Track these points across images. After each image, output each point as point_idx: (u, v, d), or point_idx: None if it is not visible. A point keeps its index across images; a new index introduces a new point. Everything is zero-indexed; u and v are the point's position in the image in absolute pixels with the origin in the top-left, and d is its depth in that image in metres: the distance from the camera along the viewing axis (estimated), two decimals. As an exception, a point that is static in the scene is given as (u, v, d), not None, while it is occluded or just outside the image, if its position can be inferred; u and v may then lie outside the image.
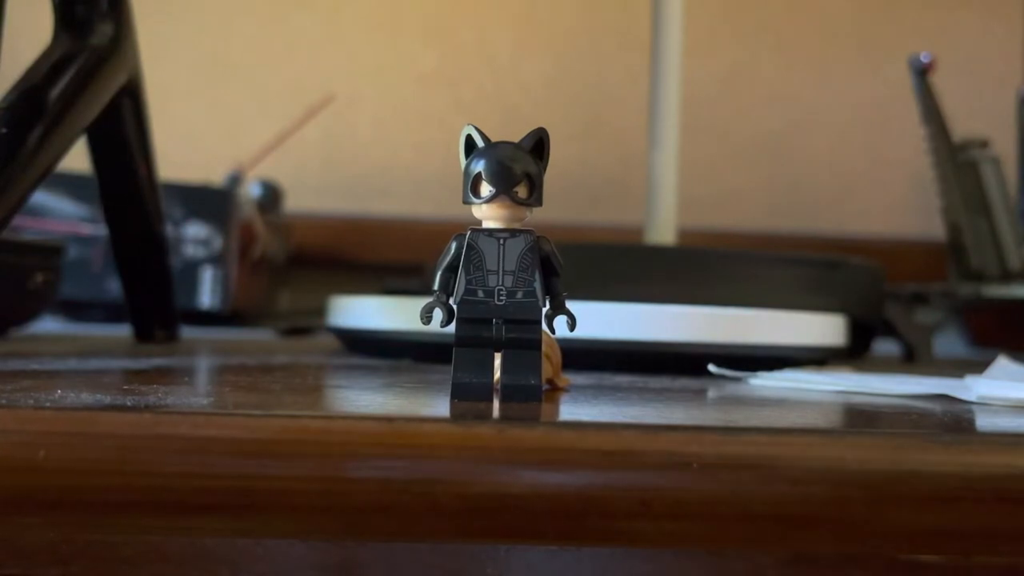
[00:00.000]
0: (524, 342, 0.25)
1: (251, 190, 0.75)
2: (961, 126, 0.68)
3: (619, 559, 0.21)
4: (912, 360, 0.53)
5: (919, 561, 0.21)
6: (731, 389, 0.32)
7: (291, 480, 0.20)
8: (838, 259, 0.46)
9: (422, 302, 0.25)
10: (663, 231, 0.49)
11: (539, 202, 0.25)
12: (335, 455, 0.20)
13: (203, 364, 0.36)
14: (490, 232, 0.25)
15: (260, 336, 0.63)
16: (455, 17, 0.89)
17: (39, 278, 0.43)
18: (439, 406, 0.25)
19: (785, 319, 0.39)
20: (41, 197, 0.62)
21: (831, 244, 0.82)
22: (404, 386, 0.30)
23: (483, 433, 0.20)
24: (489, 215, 0.25)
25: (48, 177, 0.36)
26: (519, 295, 0.25)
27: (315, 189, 0.86)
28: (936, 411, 0.27)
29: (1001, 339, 0.62)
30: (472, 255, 0.25)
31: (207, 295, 0.64)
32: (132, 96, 0.42)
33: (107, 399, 0.22)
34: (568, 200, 0.86)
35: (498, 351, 0.25)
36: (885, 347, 0.57)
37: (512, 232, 0.25)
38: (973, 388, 0.30)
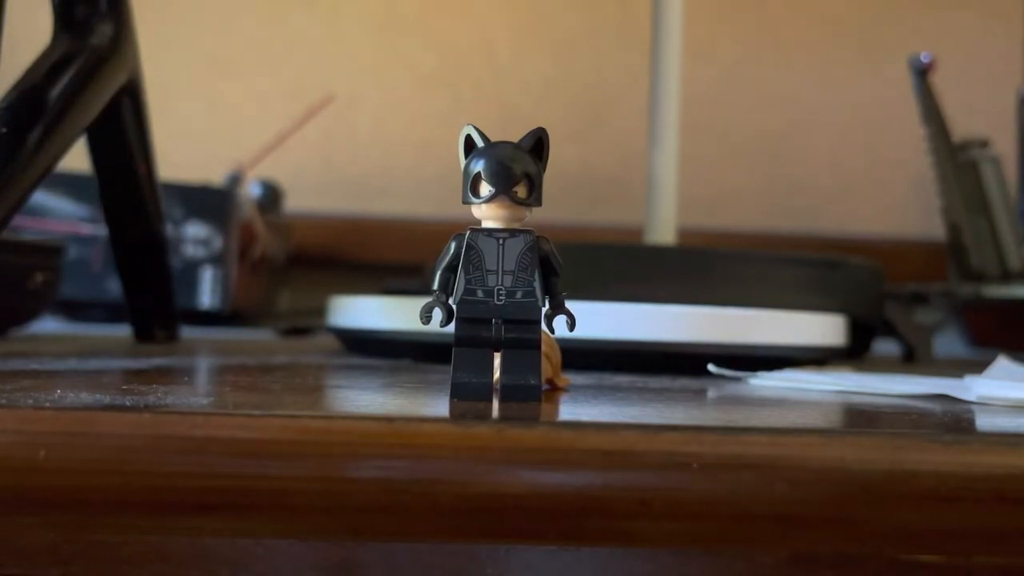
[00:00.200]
0: (523, 342, 0.25)
1: (251, 190, 0.75)
2: (961, 126, 0.68)
3: (619, 559, 0.21)
4: (912, 360, 0.53)
5: (919, 561, 0.21)
6: (731, 389, 0.32)
7: (291, 480, 0.20)
8: (838, 259, 0.46)
9: (422, 302, 0.25)
10: (663, 231, 0.49)
11: (538, 202, 0.25)
12: (335, 455, 0.20)
13: (203, 364, 0.36)
14: (489, 232, 0.25)
15: (260, 336, 0.63)
16: (455, 17, 0.89)
17: (39, 278, 0.43)
18: (439, 406, 0.25)
19: (785, 319, 0.39)
20: (41, 197, 0.62)
21: (831, 244, 0.82)
22: (404, 386, 0.30)
23: (483, 433, 0.20)
24: (488, 215, 0.25)
25: (48, 177, 0.36)
26: (518, 295, 0.25)
27: (315, 189, 0.86)
28: (936, 411, 0.26)
29: (1001, 339, 0.62)
30: (471, 255, 0.25)
31: (207, 295, 0.64)
32: (132, 96, 0.42)
33: (107, 399, 0.22)
34: (568, 200, 0.86)
35: (497, 351, 0.25)
36: (885, 347, 0.57)
37: (511, 232, 0.25)
38: (973, 388, 0.30)
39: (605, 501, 0.20)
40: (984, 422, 0.24)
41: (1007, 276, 0.63)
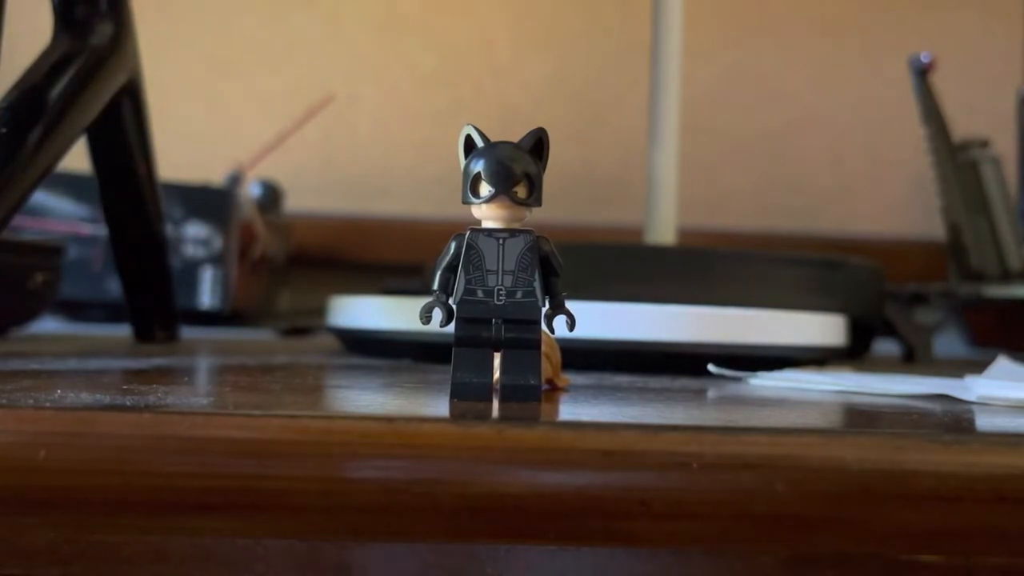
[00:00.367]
0: (523, 342, 0.25)
1: (251, 190, 0.75)
2: (961, 126, 0.68)
3: (619, 559, 0.21)
4: (912, 360, 0.53)
5: (919, 561, 0.21)
6: (731, 389, 0.32)
7: (291, 480, 0.20)
8: (838, 259, 0.46)
9: (422, 302, 0.25)
10: (663, 231, 0.49)
11: (538, 202, 0.25)
12: (335, 455, 0.20)
13: (203, 364, 0.36)
14: (489, 232, 0.25)
15: (260, 336, 0.63)
16: (455, 17, 0.89)
17: (39, 278, 0.43)
18: (439, 406, 0.25)
19: (785, 319, 0.39)
20: (41, 197, 0.62)
21: (831, 244, 0.82)
22: (404, 386, 0.30)
23: (483, 433, 0.20)
24: (488, 215, 0.25)
25: (48, 177, 0.36)
26: (518, 295, 0.25)
27: (315, 189, 0.86)
28: (936, 411, 0.27)
29: (1001, 339, 0.62)
30: (471, 255, 0.25)
31: (207, 295, 0.64)
32: (132, 96, 0.42)
33: (107, 399, 0.22)
34: (568, 200, 0.86)
35: (497, 351, 0.25)
36: (885, 347, 0.57)
37: (511, 232, 0.25)
38: (973, 388, 0.30)
39: (605, 501, 0.20)
40: (984, 422, 0.24)
41: (1007, 276, 0.63)
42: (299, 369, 0.34)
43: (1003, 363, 0.37)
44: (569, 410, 0.25)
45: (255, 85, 0.87)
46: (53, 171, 0.36)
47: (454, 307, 0.25)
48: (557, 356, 0.29)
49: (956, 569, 0.21)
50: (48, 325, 0.61)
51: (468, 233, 0.25)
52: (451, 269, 0.25)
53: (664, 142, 0.50)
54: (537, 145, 0.25)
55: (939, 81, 0.65)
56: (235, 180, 0.71)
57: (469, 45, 0.88)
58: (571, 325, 0.25)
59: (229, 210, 0.65)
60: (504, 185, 0.24)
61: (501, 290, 0.25)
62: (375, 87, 0.88)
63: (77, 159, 0.42)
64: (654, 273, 0.41)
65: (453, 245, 0.25)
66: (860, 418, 0.25)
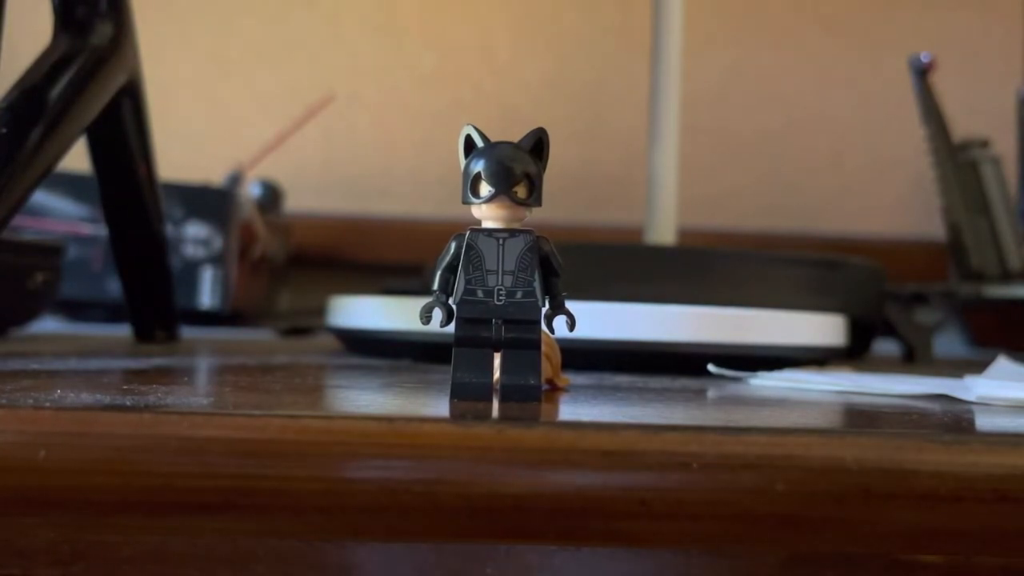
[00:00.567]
0: (523, 342, 0.25)
1: (251, 190, 0.75)
2: (961, 126, 0.68)
3: (619, 559, 0.21)
4: (912, 360, 0.53)
5: (919, 561, 0.21)
6: (731, 389, 0.32)
7: (291, 480, 0.20)
8: (838, 259, 0.46)
9: (422, 302, 0.25)
10: (663, 231, 0.49)
11: (538, 202, 0.25)
12: (335, 455, 0.20)
13: (203, 364, 0.36)
14: (489, 232, 0.25)
15: (260, 336, 0.63)
16: (455, 17, 0.89)
17: (39, 278, 0.43)
18: (439, 406, 0.25)
19: (785, 319, 0.39)
20: (41, 197, 0.62)
21: (831, 244, 0.82)
22: (404, 386, 0.30)
23: (483, 433, 0.20)
24: (488, 215, 0.25)
25: (48, 177, 0.36)
26: (518, 295, 0.25)
27: (315, 189, 0.86)
28: (936, 411, 0.27)
29: (1001, 339, 0.62)
30: (471, 255, 0.25)
31: (207, 295, 0.64)
32: (132, 96, 0.42)
33: (107, 399, 0.22)
34: (568, 200, 0.86)
35: (497, 351, 0.25)
36: (885, 347, 0.57)
37: (511, 232, 0.25)
38: (973, 388, 0.30)
39: (605, 501, 0.20)
40: (984, 422, 0.25)
41: (1007, 276, 0.63)
42: (299, 369, 0.34)
43: (1003, 363, 0.37)
44: (569, 410, 0.25)
45: (255, 85, 0.87)
46: (53, 171, 0.36)
47: (454, 307, 0.25)
48: (557, 356, 0.29)
49: (956, 569, 0.21)
50: (48, 325, 0.61)
51: (468, 233, 0.25)
52: (451, 269, 0.25)
53: (664, 142, 0.50)
54: (537, 145, 0.25)
55: (939, 81, 0.65)
56: (235, 180, 0.71)
57: (469, 45, 0.89)
58: (571, 325, 0.25)
59: (229, 210, 0.65)
60: (504, 185, 0.24)
61: (501, 290, 0.25)
62: (375, 87, 0.88)
63: (77, 159, 0.42)
64: (654, 273, 0.41)
65: (453, 245, 0.25)
66: (860, 418, 0.25)
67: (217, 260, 0.64)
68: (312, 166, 0.87)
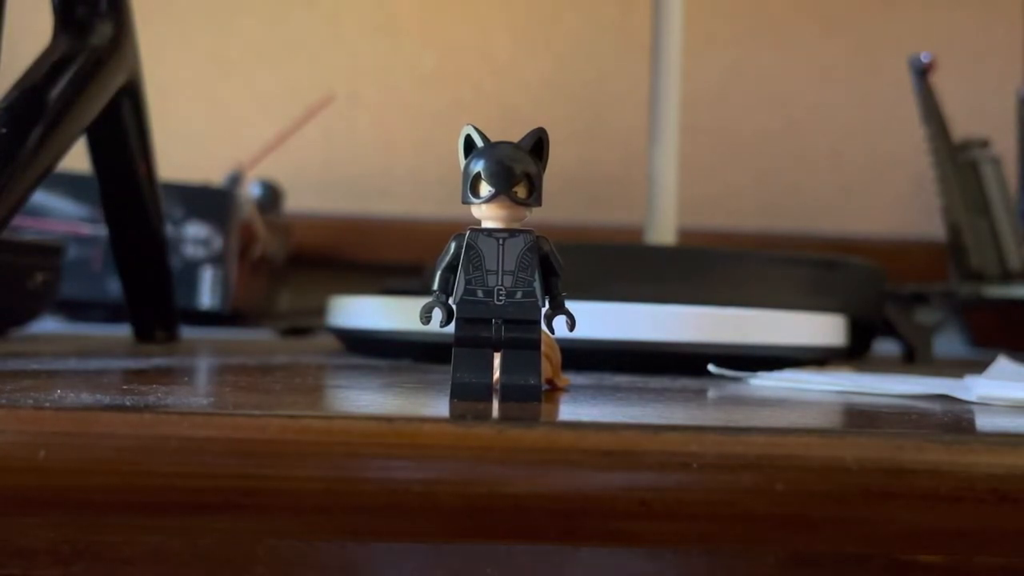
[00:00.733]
0: (523, 342, 0.25)
1: (251, 190, 0.75)
2: (961, 126, 0.68)
3: (619, 559, 0.21)
4: (912, 360, 0.53)
5: (919, 561, 0.21)
6: (731, 389, 0.32)
7: (291, 480, 0.20)
8: (838, 259, 0.46)
9: (422, 302, 0.25)
10: (663, 231, 0.49)
11: (538, 202, 0.25)
12: (335, 455, 0.20)
13: (203, 364, 0.36)
14: (489, 232, 0.25)
15: (260, 336, 0.63)
16: (455, 17, 0.89)
17: (39, 278, 0.43)
18: (439, 406, 0.25)
19: (785, 319, 0.39)
20: (41, 197, 0.62)
21: (831, 244, 0.82)
22: (404, 386, 0.30)
23: (483, 433, 0.20)
24: (488, 215, 0.25)
25: (48, 177, 0.36)
26: (518, 295, 0.25)
27: (315, 189, 0.86)
28: (936, 411, 0.27)
29: (1001, 339, 0.62)
30: (471, 255, 0.25)
31: (207, 295, 0.64)
32: (132, 96, 0.42)
33: (107, 399, 0.22)
34: (568, 200, 0.86)
35: (497, 351, 0.25)
36: (885, 347, 0.57)
37: (511, 232, 0.25)
38: (973, 388, 0.30)
39: (605, 501, 0.20)
40: (984, 422, 0.25)
41: (1007, 276, 0.63)
42: (299, 369, 0.34)
43: (1003, 363, 0.37)
44: (569, 410, 0.25)
45: (255, 85, 0.87)
46: (53, 171, 0.36)
47: (454, 307, 0.25)
48: (557, 356, 0.29)
49: (956, 569, 0.21)
50: (48, 325, 0.61)
51: (468, 233, 0.25)
52: (451, 269, 0.25)
53: (664, 142, 0.50)
54: (537, 145, 0.25)
55: (939, 81, 0.65)
56: (235, 180, 0.71)
57: (469, 45, 0.89)
58: (571, 325, 0.25)
59: (229, 210, 0.65)
60: (504, 185, 0.24)
61: (501, 290, 0.25)
62: (375, 87, 0.88)
63: (77, 159, 0.42)
64: (654, 273, 0.41)
65: (453, 245, 0.25)
66: (860, 418, 0.25)
67: (217, 260, 0.64)
68: (312, 166, 0.87)
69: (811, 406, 0.27)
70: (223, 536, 0.21)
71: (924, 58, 0.64)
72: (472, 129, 0.25)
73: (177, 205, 0.64)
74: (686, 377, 0.36)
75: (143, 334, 0.46)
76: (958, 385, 0.32)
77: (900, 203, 0.89)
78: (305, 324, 0.66)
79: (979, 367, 0.37)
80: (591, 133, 0.88)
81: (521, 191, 0.25)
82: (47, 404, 0.21)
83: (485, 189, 0.25)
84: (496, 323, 0.25)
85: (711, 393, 0.30)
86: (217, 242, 0.64)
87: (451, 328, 0.25)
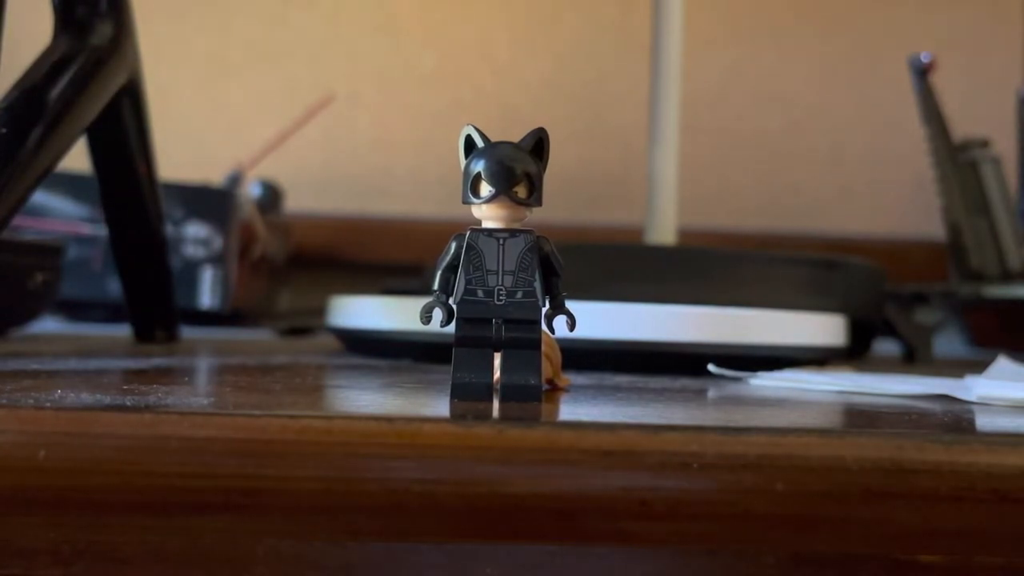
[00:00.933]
0: (524, 342, 0.25)
1: (251, 190, 0.75)
2: (961, 126, 0.68)
3: (619, 559, 0.21)
4: (912, 360, 0.53)
5: (919, 561, 0.21)
6: (731, 389, 0.32)
7: (291, 480, 0.20)
8: (838, 259, 0.46)
9: (422, 302, 0.25)
10: (663, 231, 0.49)
11: (539, 202, 0.25)
12: (335, 455, 0.20)
13: (203, 364, 0.36)
14: (490, 232, 0.25)
15: (260, 336, 0.63)
16: (455, 17, 0.89)
17: (39, 278, 0.43)
18: (439, 406, 0.25)
19: (785, 319, 0.39)
20: (41, 197, 0.62)
21: (831, 244, 0.82)
22: (404, 386, 0.30)
23: (483, 433, 0.20)
24: (489, 215, 0.25)
25: (48, 177, 0.36)
26: (519, 295, 0.25)
27: (315, 189, 0.86)
28: (936, 411, 0.27)
29: (1001, 339, 0.62)
30: (472, 255, 0.25)
31: (207, 295, 0.64)
32: (132, 96, 0.42)
33: (107, 399, 0.22)
34: (568, 200, 0.86)
35: (498, 351, 0.25)
36: (885, 347, 0.57)
37: (512, 232, 0.25)
38: (973, 388, 0.30)
39: (605, 501, 0.20)
40: (984, 422, 0.25)
41: (1007, 276, 0.63)
42: (299, 369, 0.34)
43: (1003, 363, 0.37)
44: (569, 410, 0.25)
45: (255, 85, 0.87)
46: (53, 171, 0.36)
47: (454, 307, 0.25)
48: (557, 356, 0.29)
49: (956, 569, 0.21)
50: (48, 325, 0.61)
51: (468, 233, 0.25)
52: (451, 269, 0.25)
53: (664, 142, 0.50)
54: (537, 145, 0.25)
55: (939, 81, 0.65)
56: (235, 180, 0.71)
57: (469, 45, 0.89)
58: (571, 325, 0.25)
59: (229, 210, 0.65)
60: (504, 185, 0.24)
61: (501, 290, 0.25)
62: (375, 87, 0.88)
63: (77, 159, 0.42)
64: (654, 273, 0.41)
65: (453, 245, 0.25)
66: (860, 418, 0.25)
67: (217, 260, 0.64)
68: (312, 166, 0.87)
69: (811, 406, 0.27)
70: (223, 536, 0.21)
71: (924, 58, 0.64)
72: (472, 129, 0.25)
73: (177, 205, 0.64)
74: (686, 377, 0.36)
75: (143, 334, 0.46)
76: (958, 385, 0.32)
77: (900, 203, 0.89)
78: (305, 324, 0.66)
79: (979, 367, 0.37)
80: (591, 133, 0.88)
81: (521, 191, 0.25)
82: (47, 404, 0.21)
83: (485, 189, 0.25)
84: (496, 323, 0.25)
85: (711, 393, 0.30)
86: (217, 242, 0.64)
87: (451, 328, 0.25)
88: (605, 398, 0.28)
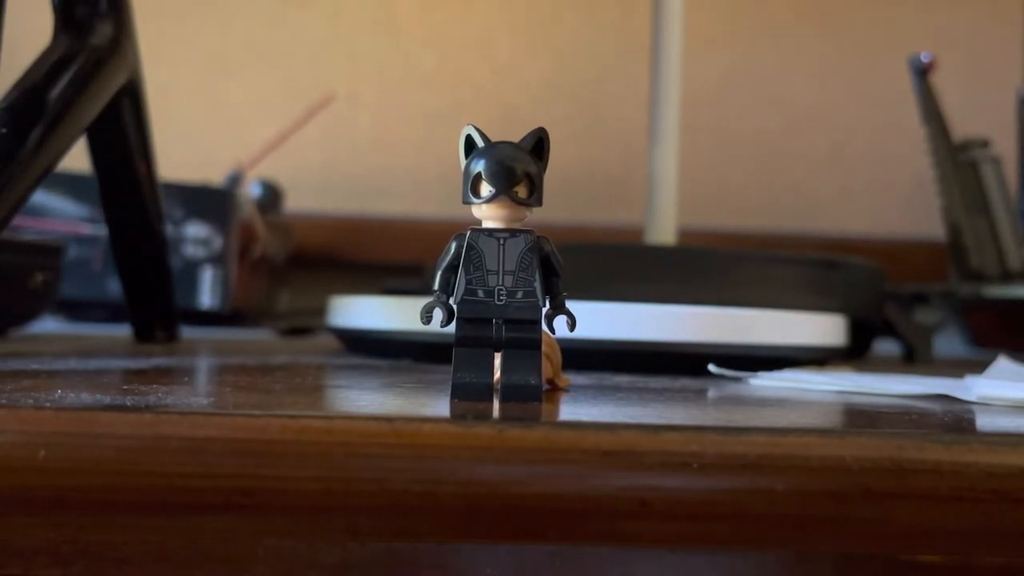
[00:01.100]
0: (524, 342, 0.25)
1: (251, 190, 0.75)
2: (961, 126, 0.68)
3: (619, 559, 0.21)
4: (912, 360, 0.53)
5: (919, 561, 0.21)
6: (731, 389, 0.32)
7: (291, 480, 0.20)
8: (838, 259, 0.46)
9: (422, 302, 0.25)
10: (663, 231, 0.49)
11: (539, 202, 0.25)
12: (335, 455, 0.20)
13: (203, 364, 0.36)
14: (490, 232, 0.25)
15: (260, 336, 0.63)
16: (455, 17, 0.89)
17: (39, 278, 0.43)
18: (439, 406, 0.25)
19: (785, 319, 0.39)
20: (41, 197, 0.62)
21: (831, 244, 0.82)
22: (404, 386, 0.30)
23: (483, 433, 0.20)
24: (489, 215, 0.25)
25: (48, 177, 0.36)
26: (519, 295, 0.25)
27: (315, 189, 0.86)
28: (936, 411, 0.27)
29: (1001, 339, 0.62)
30: (472, 255, 0.25)
31: (207, 295, 0.64)
32: (132, 96, 0.42)
33: (107, 399, 0.22)
34: (568, 200, 0.86)
35: (498, 351, 0.25)
36: (885, 347, 0.57)
37: (512, 232, 0.25)
38: (973, 388, 0.30)
39: (605, 501, 0.20)
40: (984, 422, 0.25)
41: (1007, 276, 0.63)
42: (299, 369, 0.34)
43: (1003, 363, 0.37)
44: (569, 410, 0.25)
45: (255, 85, 0.87)
46: (53, 171, 0.36)
47: (454, 307, 0.25)
48: (557, 356, 0.29)
49: (956, 569, 0.21)
50: (48, 325, 0.61)
51: (468, 233, 0.25)
52: (452, 269, 0.25)
53: (664, 142, 0.50)
54: (537, 145, 0.25)
55: (939, 81, 0.65)
56: (235, 180, 0.71)
57: (469, 45, 0.88)
58: (571, 325, 0.25)
59: (229, 210, 0.65)
60: (504, 185, 0.24)
61: (502, 290, 0.25)
62: (375, 87, 0.88)
63: (77, 159, 0.42)
64: (654, 273, 0.41)
65: (453, 245, 0.25)
66: (860, 418, 0.25)
67: (217, 260, 0.64)
68: (312, 166, 0.87)
69: (811, 406, 0.27)
70: (223, 536, 0.21)
71: (924, 58, 0.64)
72: (472, 129, 0.25)
73: (177, 205, 0.64)
74: (686, 377, 0.36)
75: (143, 334, 0.46)
76: (958, 385, 0.32)
77: (900, 203, 0.89)
78: (305, 324, 0.66)
79: (979, 367, 0.37)
80: (591, 133, 0.88)
81: (522, 191, 0.25)
82: (47, 404, 0.21)
83: (486, 189, 0.25)
84: (497, 323, 0.25)
85: (711, 393, 0.30)
86: (217, 242, 0.64)
87: (451, 328, 0.25)
88: (605, 398, 0.28)
